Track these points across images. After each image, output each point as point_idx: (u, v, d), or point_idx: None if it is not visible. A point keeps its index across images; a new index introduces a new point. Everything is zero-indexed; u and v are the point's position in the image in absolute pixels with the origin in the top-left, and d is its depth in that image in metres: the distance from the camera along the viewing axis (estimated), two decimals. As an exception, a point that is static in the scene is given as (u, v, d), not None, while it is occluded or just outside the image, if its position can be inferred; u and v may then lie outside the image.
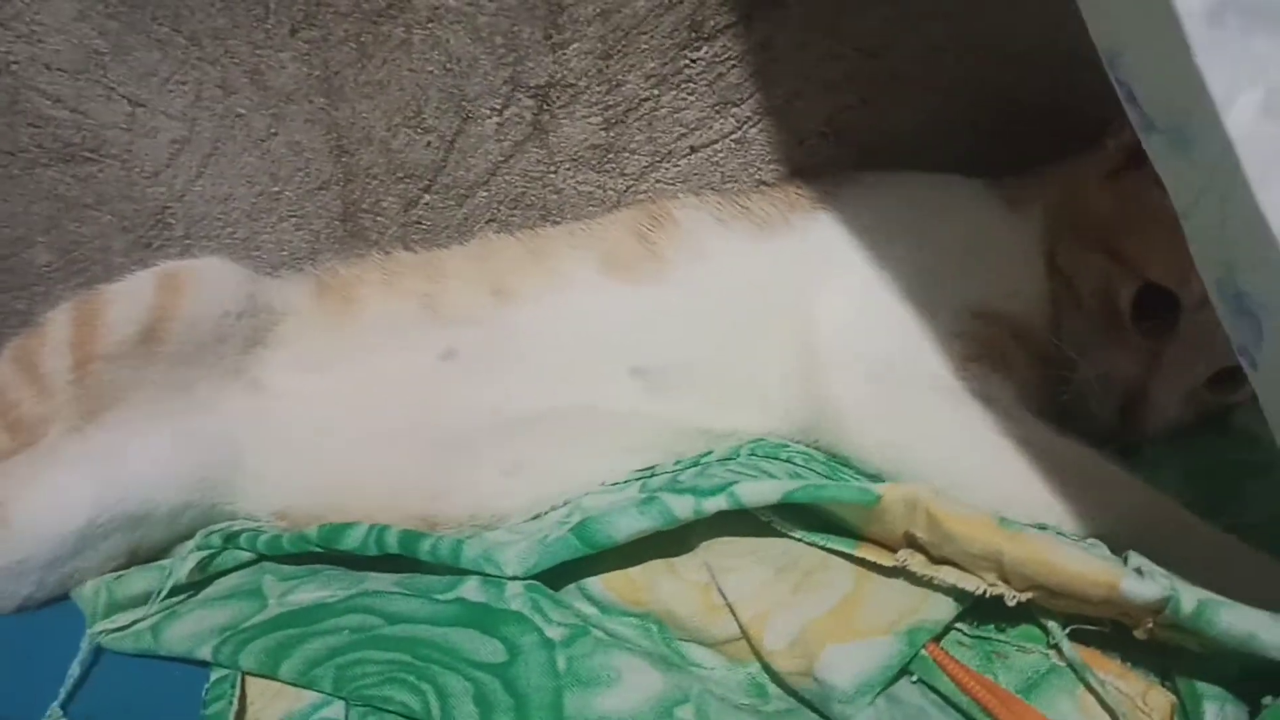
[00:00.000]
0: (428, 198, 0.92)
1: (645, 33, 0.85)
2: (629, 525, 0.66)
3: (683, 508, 0.65)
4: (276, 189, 0.90)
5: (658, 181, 0.94)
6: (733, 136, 0.92)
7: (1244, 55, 0.40)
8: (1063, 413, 0.77)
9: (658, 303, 0.82)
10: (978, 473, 0.68)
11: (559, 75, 0.86)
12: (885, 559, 0.62)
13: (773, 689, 0.62)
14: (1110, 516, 0.64)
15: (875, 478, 0.71)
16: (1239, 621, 0.50)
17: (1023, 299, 0.80)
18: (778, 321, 0.79)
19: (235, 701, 0.64)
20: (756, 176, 0.94)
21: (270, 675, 0.65)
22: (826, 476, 0.71)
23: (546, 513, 0.75)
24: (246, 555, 0.77)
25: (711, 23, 0.85)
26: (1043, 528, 0.62)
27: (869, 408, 0.74)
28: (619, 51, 0.86)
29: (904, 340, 0.77)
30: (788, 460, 0.67)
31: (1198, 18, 0.40)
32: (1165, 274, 0.73)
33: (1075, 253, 0.79)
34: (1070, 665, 0.58)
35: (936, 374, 0.74)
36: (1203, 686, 0.55)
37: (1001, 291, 0.79)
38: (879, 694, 0.55)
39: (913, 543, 0.61)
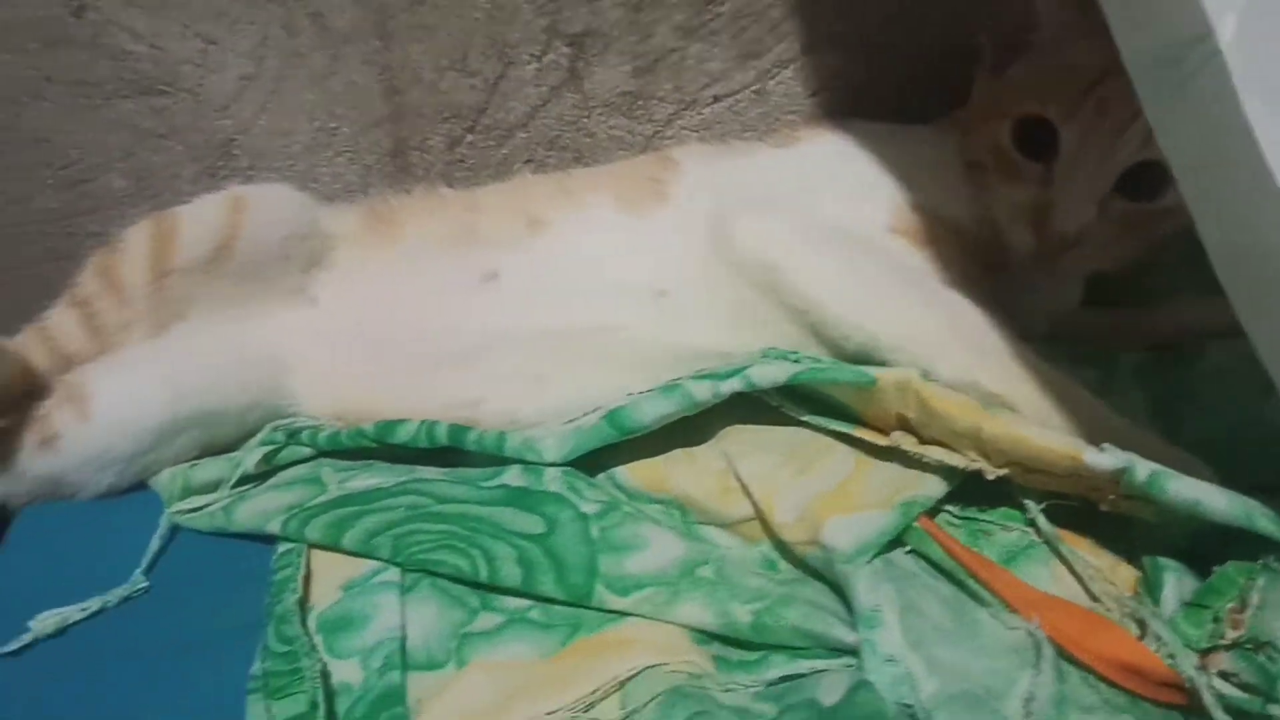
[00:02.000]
0: (470, 137, 0.99)
1: (675, -14, 0.92)
2: (655, 409, 0.73)
3: (702, 391, 0.72)
4: (333, 125, 0.97)
5: (682, 128, 1.01)
6: (753, 88, 0.99)
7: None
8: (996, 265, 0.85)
9: (664, 234, 0.89)
10: (885, 307, 0.76)
11: (594, 25, 0.93)
12: (880, 439, 0.70)
13: (782, 564, 0.70)
14: (997, 376, 0.71)
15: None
16: (1185, 489, 0.57)
17: (955, 204, 0.86)
18: None
19: (302, 569, 0.71)
20: (773, 126, 1.02)
21: (333, 546, 0.72)
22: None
23: (578, 418, 0.81)
24: (307, 450, 0.84)
25: (737, -22, 0.92)
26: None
27: (778, 235, 0.81)
28: (650, 4, 0.93)
29: (825, 207, 0.85)
30: (796, 361, 0.74)
31: None
32: (1031, 105, 0.80)
33: (973, 138, 0.87)
34: (1045, 540, 0.65)
35: (857, 229, 0.82)
36: (1163, 561, 0.62)
37: (937, 198, 0.86)
38: (876, 556, 0.62)
39: (904, 425, 0.69)
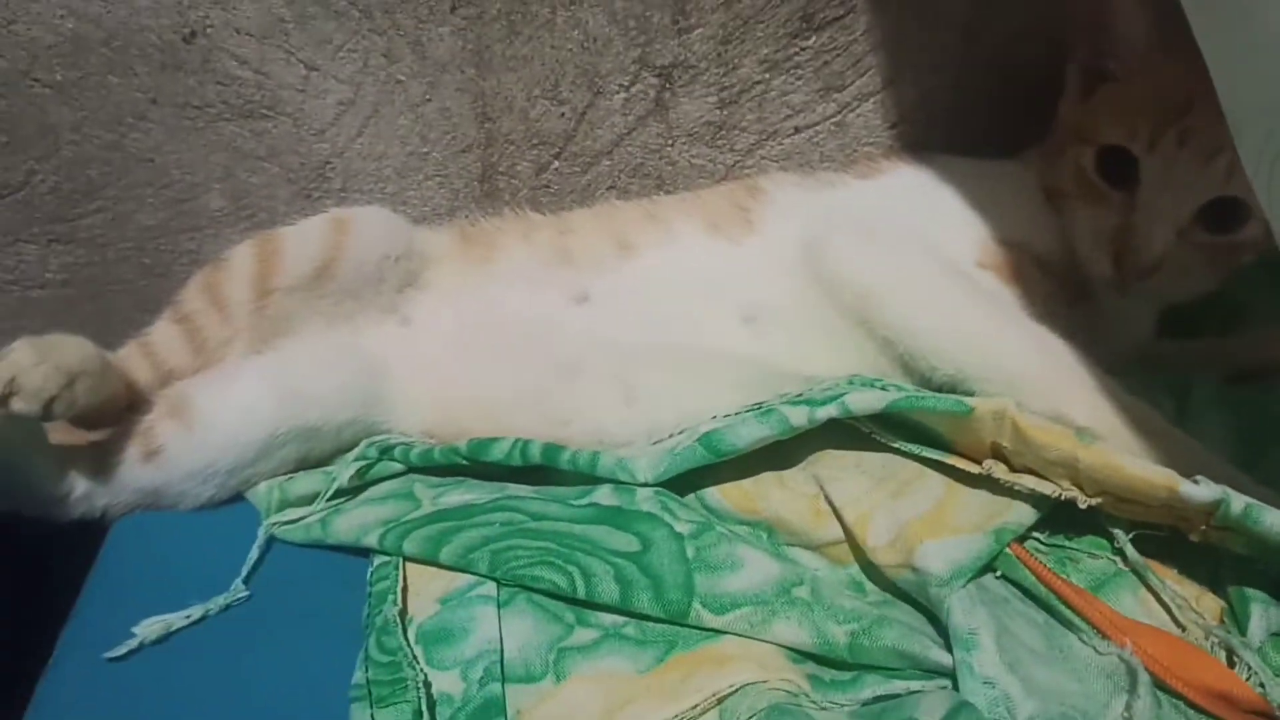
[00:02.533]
0: (557, 164, 1.02)
1: (762, 22, 0.94)
2: (750, 433, 0.75)
3: (798, 416, 0.74)
4: (426, 150, 0.99)
5: (763, 158, 1.03)
6: (833, 120, 1.02)
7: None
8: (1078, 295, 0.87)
9: (753, 260, 0.91)
10: (975, 339, 0.78)
11: (682, 57, 0.96)
12: (973, 467, 0.71)
13: (870, 586, 0.71)
14: (1084, 409, 0.72)
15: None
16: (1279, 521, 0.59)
17: (1040, 237, 0.88)
18: None
19: (400, 580, 0.73)
20: (851, 157, 1.03)
21: (431, 560, 0.73)
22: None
23: (666, 438, 0.83)
24: (399, 466, 0.86)
25: (821, 15, 0.94)
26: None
27: (871, 262, 0.84)
28: (737, 38, 0.95)
29: (915, 237, 0.86)
30: (883, 389, 0.75)
31: None
32: (1114, 134, 0.82)
33: (1055, 164, 0.88)
34: (1133, 568, 0.67)
35: (948, 261, 0.84)
36: (1250, 592, 0.64)
37: (1022, 231, 0.88)
38: (969, 580, 0.64)
39: (997, 453, 0.70)
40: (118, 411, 0.84)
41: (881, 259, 0.84)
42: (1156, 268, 0.81)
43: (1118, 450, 0.67)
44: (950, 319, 0.79)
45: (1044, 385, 0.73)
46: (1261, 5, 0.50)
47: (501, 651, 0.66)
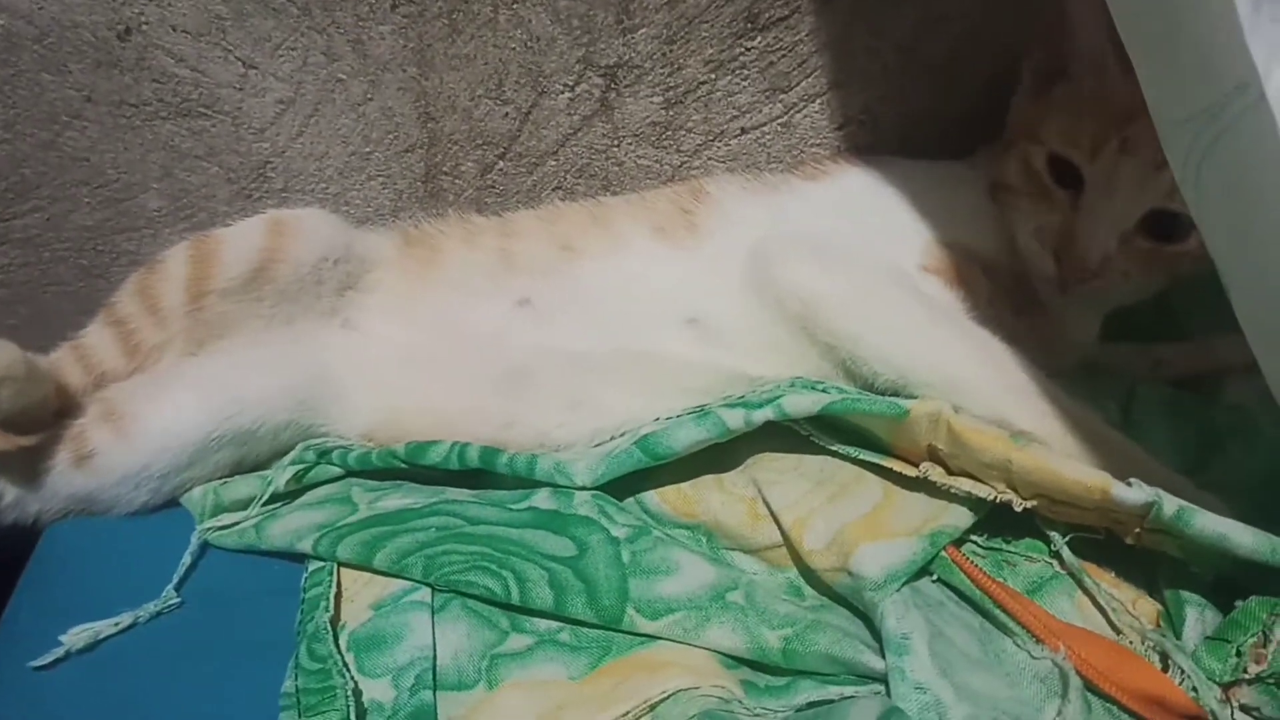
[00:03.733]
0: (502, 164, 1.01)
1: (706, 21, 0.93)
2: (686, 436, 0.74)
3: (734, 419, 0.74)
4: (368, 149, 0.98)
5: (710, 159, 1.03)
6: (779, 120, 1.01)
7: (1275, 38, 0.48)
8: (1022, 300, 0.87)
9: (697, 264, 0.91)
10: (918, 344, 0.78)
11: (627, 57, 0.95)
12: (910, 470, 0.71)
13: (808, 590, 0.71)
14: (1026, 413, 0.72)
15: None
16: (1211, 524, 0.59)
17: (986, 241, 0.88)
18: None
19: (333, 587, 0.72)
20: (799, 158, 1.03)
21: (365, 565, 0.73)
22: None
23: (608, 440, 0.83)
24: (337, 470, 0.86)
25: (766, 15, 0.93)
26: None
27: (814, 272, 0.83)
28: (682, 38, 0.94)
29: (860, 244, 0.86)
30: (824, 391, 0.75)
31: (1247, 3, 0.47)
32: (1061, 143, 0.82)
33: (1004, 159, 0.89)
34: (1069, 572, 0.67)
35: (893, 267, 0.84)
36: (1185, 595, 0.64)
37: (968, 235, 0.88)
38: (904, 584, 0.64)
39: (934, 456, 0.70)
40: (48, 416, 0.83)
41: (824, 267, 0.83)
42: (1097, 272, 0.82)
43: (1054, 453, 0.67)
44: (892, 327, 0.79)
45: (986, 390, 0.73)
46: (1182, 19, 0.51)
47: (434, 658, 0.65)
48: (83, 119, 0.92)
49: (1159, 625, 0.65)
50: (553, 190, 1.03)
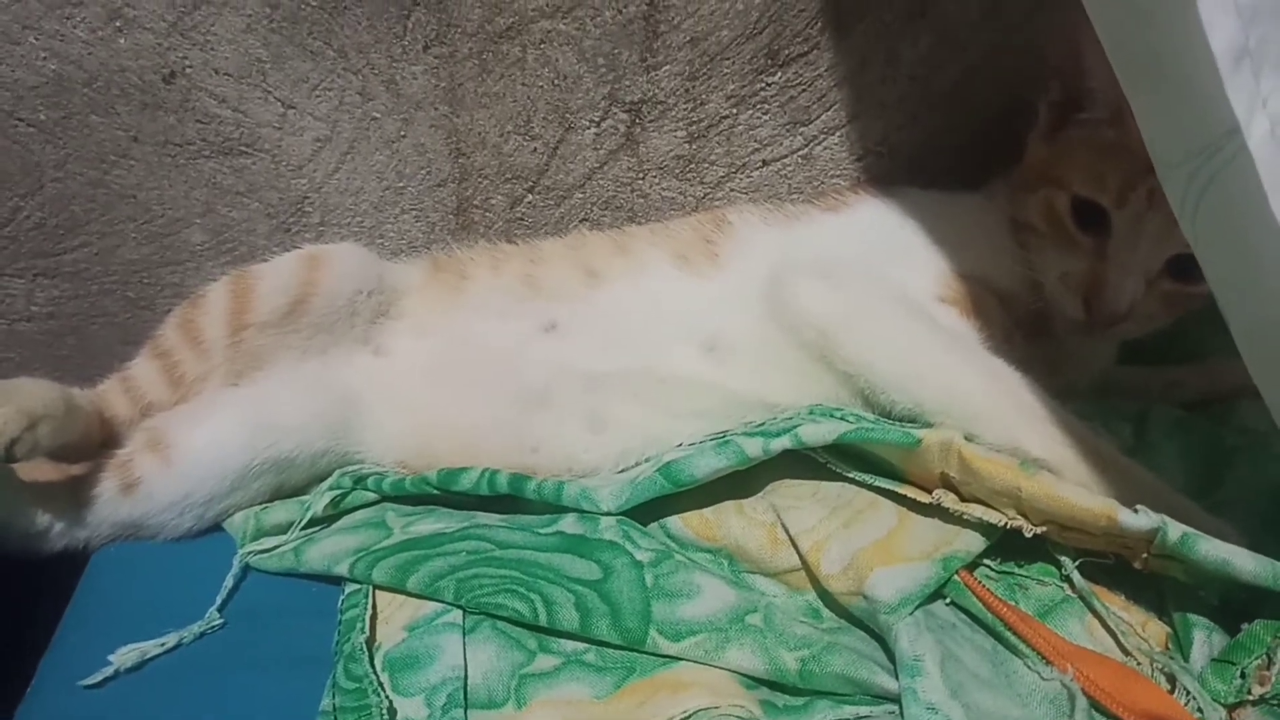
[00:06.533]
0: (530, 197, 1.04)
1: (728, 58, 0.97)
2: (707, 464, 0.76)
3: (753, 447, 0.76)
4: (401, 184, 1.02)
5: (732, 190, 1.06)
6: (800, 152, 1.04)
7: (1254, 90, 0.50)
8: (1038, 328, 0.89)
9: (718, 291, 0.93)
10: (932, 374, 0.79)
11: (651, 93, 0.98)
12: (923, 496, 0.73)
13: (826, 612, 0.73)
14: (1038, 441, 0.73)
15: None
16: (1215, 550, 0.61)
17: (1002, 271, 0.90)
18: None
19: (369, 609, 0.74)
20: (819, 189, 1.05)
21: (399, 588, 0.75)
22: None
23: (632, 466, 0.85)
24: (372, 495, 0.88)
25: (786, 51, 0.96)
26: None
27: (831, 300, 0.85)
28: (704, 74, 0.97)
29: (877, 274, 0.88)
30: (841, 419, 0.77)
31: (1228, 58, 0.50)
32: (1087, 188, 0.84)
33: (1025, 199, 0.90)
34: (1080, 595, 0.68)
35: (909, 297, 0.85)
36: (1193, 618, 0.65)
37: (984, 266, 0.90)
38: (917, 607, 0.65)
39: (946, 483, 0.72)
40: (94, 446, 0.86)
41: (840, 298, 0.85)
42: (1126, 317, 0.84)
43: (1062, 481, 0.68)
44: (906, 356, 0.81)
45: (1000, 418, 0.75)
46: (1173, 66, 0.53)
47: (465, 678, 0.67)
48: (129, 158, 0.96)
49: (1168, 648, 0.66)
50: (580, 222, 1.07)
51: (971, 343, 0.83)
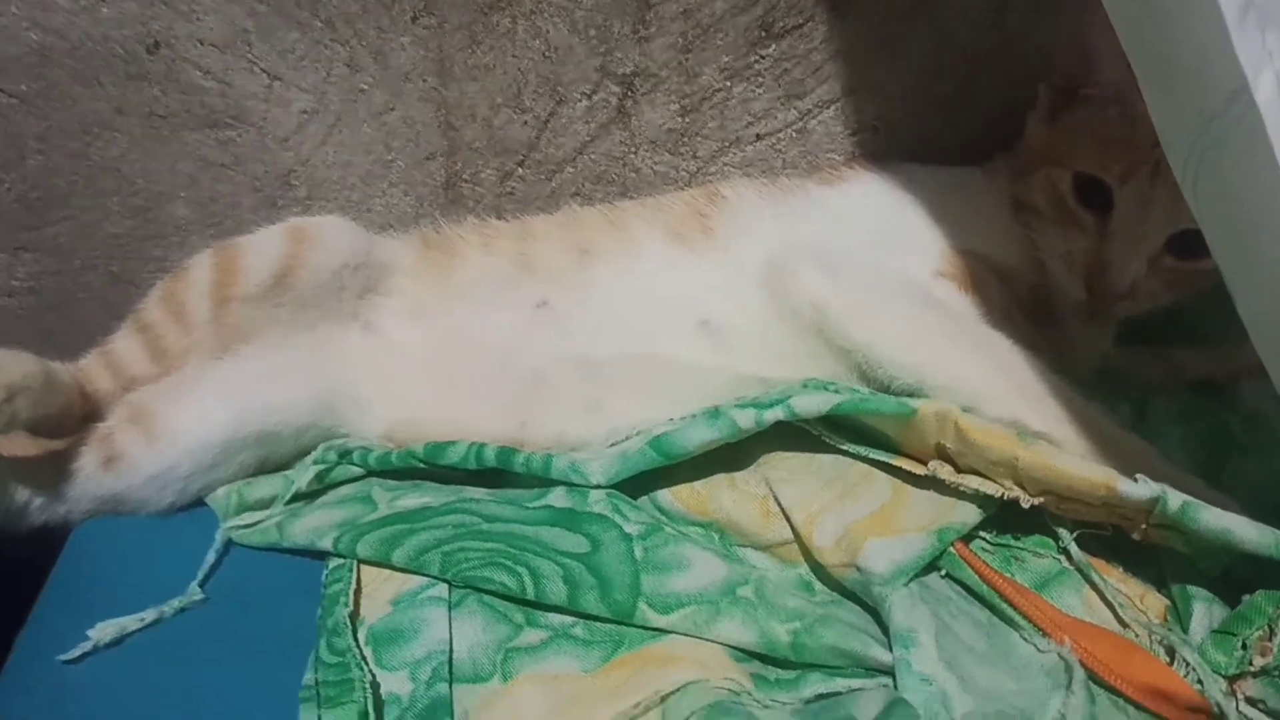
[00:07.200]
0: (521, 171, 1.03)
1: (722, 30, 0.95)
2: (698, 436, 0.75)
3: (745, 419, 0.75)
4: (389, 158, 1.00)
5: (726, 165, 1.04)
6: (794, 127, 1.02)
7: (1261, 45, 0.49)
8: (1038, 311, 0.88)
9: (712, 267, 0.92)
10: (931, 350, 0.78)
11: (643, 65, 0.96)
12: (918, 468, 0.72)
13: (818, 585, 0.72)
14: (1039, 414, 0.73)
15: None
16: (1216, 519, 0.60)
17: (1001, 247, 0.89)
18: None
19: (353, 583, 0.73)
20: (814, 164, 1.04)
21: (384, 562, 0.74)
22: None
23: (622, 440, 0.83)
24: (357, 470, 0.87)
25: (780, 24, 0.95)
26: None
27: (830, 280, 0.84)
28: (697, 46, 0.96)
29: (874, 249, 0.87)
30: (835, 391, 0.76)
31: (1234, 11, 0.49)
32: (1090, 164, 0.83)
33: (1026, 179, 0.89)
34: (1077, 567, 0.67)
35: (903, 275, 0.85)
36: (1192, 589, 0.64)
37: (982, 241, 0.89)
38: (912, 579, 0.64)
39: (942, 454, 0.71)
40: (74, 421, 0.85)
41: (836, 275, 0.84)
42: (1128, 295, 0.83)
43: (1060, 451, 0.67)
44: (904, 333, 0.80)
45: (999, 393, 0.74)
46: (1176, 29, 0.52)
47: (451, 652, 0.66)
48: (113, 130, 0.94)
49: (1166, 620, 0.65)
50: (571, 196, 1.05)
51: (969, 318, 0.82)
